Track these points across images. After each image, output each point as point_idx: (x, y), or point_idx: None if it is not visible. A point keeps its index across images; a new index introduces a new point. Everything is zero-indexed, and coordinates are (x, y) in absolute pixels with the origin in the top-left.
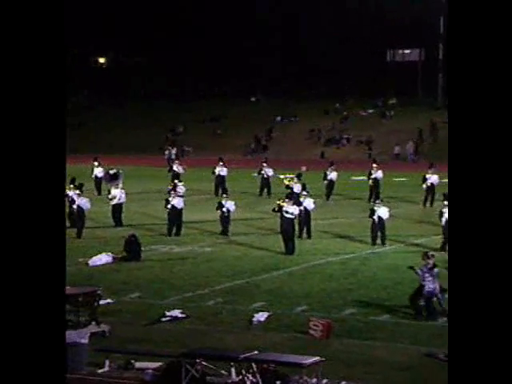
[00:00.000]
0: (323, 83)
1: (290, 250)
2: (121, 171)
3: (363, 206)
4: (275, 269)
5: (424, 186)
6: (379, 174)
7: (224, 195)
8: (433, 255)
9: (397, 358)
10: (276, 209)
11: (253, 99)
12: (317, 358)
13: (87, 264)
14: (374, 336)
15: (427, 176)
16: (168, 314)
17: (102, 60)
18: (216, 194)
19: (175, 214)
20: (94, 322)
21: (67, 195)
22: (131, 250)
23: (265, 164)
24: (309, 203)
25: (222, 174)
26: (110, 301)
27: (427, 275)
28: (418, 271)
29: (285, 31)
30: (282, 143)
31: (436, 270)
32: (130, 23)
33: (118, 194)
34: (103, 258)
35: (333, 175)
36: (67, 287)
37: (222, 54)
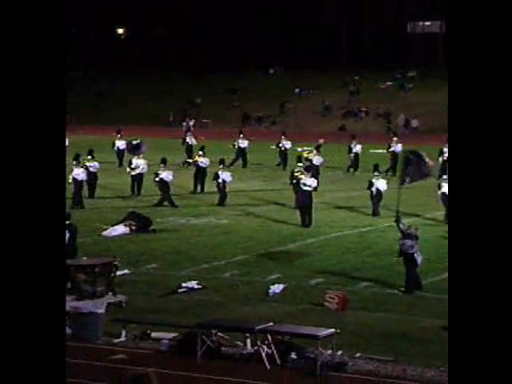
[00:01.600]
0: (342, 55)
1: (306, 222)
2: (144, 142)
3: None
4: (292, 241)
5: (440, 159)
6: (398, 147)
7: (220, 166)
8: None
9: (412, 330)
10: (294, 181)
11: (271, 71)
12: (332, 330)
13: (100, 235)
14: (389, 309)
15: (444, 149)
16: (184, 285)
17: (121, 31)
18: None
19: (163, 187)
20: (110, 293)
21: (85, 166)
22: (140, 219)
23: (283, 137)
24: (382, 184)
25: (242, 146)
26: (127, 271)
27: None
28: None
29: (304, 3)
30: (299, 116)
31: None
32: None
33: (140, 164)
34: (119, 229)
35: (358, 148)
36: (84, 258)
37: (241, 26)
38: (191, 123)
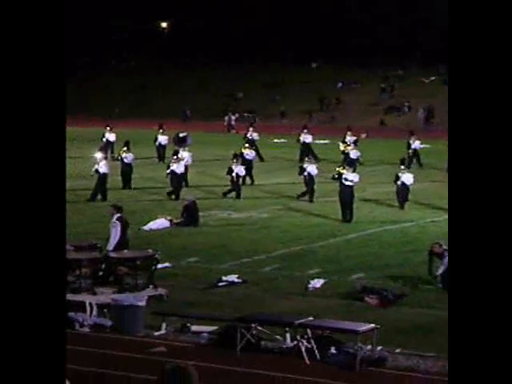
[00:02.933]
0: (385, 50)
1: (347, 217)
2: (190, 134)
3: (425, 174)
4: (332, 236)
5: (409, 151)
6: (417, 144)
7: (234, 160)
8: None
9: None
10: (336, 176)
11: (313, 65)
12: (372, 326)
13: (140, 229)
14: (430, 305)
15: (410, 142)
16: (225, 278)
17: (164, 24)
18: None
19: (176, 179)
20: (151, 286)
21: (120, 157)
22: (189, 215)
23: (305, 130)
24: (408, 178)
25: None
26: (168, 265)
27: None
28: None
29: None
30: (343, 109)
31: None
32: None
33: (186, 156)
34: (159, 222)
35: (416, 144)
36: (125, 251)
37: (282, 19)
38: (233, 117)
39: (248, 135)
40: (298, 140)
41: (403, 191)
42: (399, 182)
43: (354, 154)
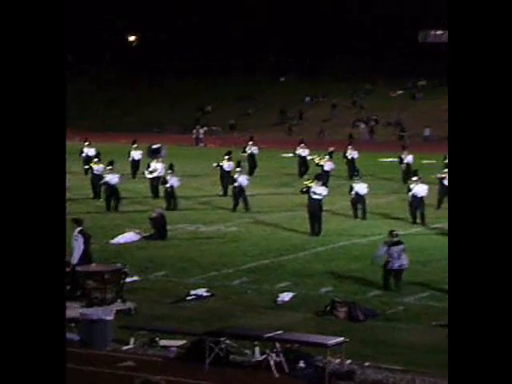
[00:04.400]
0: (353, 63)
1: (316, 230)
2: (163, 146)
3: (392, 188)
4: (301, 249)
5: (402, 166)
6: (409, 158)
7: (237, 169)
8: (397, 234)
9: (421, 339)
10: (304, 189)
11: (282, 79)
12: (341, 339)
13: (108, 243)
14: (398, 317)
15: (402, 157)
16: (193, 292)
17: (132, 38)
18: (300, 175)
19: (170, 192)
20: (119, 300)
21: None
22: (157, 228)
23: (302, 144)
24: (361, 187)
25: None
26: (136, 278)
27: (392, 252)
28: (380, 248)
29: (317, 10)
30: (311, 123)
31: (402, 246)
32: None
33: (159, 167)
34: (127, 236)
35: (409, 158)
36: (94, 264)
37: (252, 33)
38: (201, 130)
39: (247, 149)
40: (294, 153)
41: (358, 201)
42: (353, 192)
43: (328, 166)
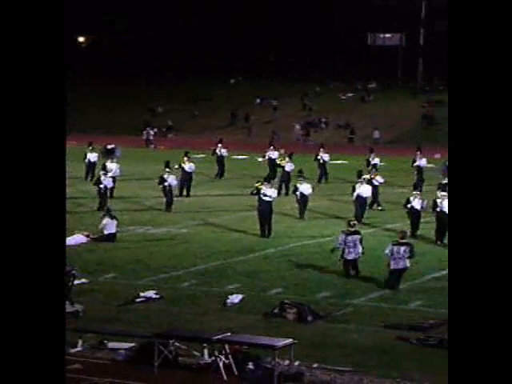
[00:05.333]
0: (303, 66)
1: (266, 232)
2: (118, 147)
3: (342, 189)
4: (251, 251)
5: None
6: (376, 160)
7: (167, 170)
8: (355, 224)
9: (370, 341)
10: (254, 191)
11: (232, 81)
12: (289, 341)
13: None
14: (347, 319)
15: (370, 159)
16: (142, 294)
17: (81, 39)
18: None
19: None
20: (68, 302)
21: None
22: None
23: (220, 144)
24: (306, 188)
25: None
26: (85, 281)
27: (349, 241)
28: (339, 237)
29: (265, 13)
30: (261, 125)
31: (359, 236)
32: (110, 2)
33: (114, 167)
34: (76, 238)
35: (376, 161)
36: None
37: (203, 35)
38: (152, 132)
39: (217, 151)
40: (264, 156)
41: (302, 201)
42: (298, 193)
43: (288, 167)
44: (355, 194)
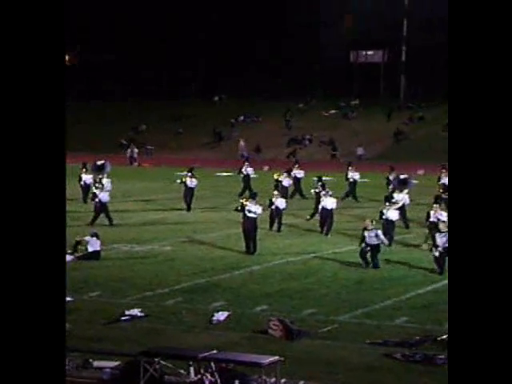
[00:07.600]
0: (286, 83)
1: (251, 249)
2: (108, 162)
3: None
4: (236, 268)
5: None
6: (356, 175)
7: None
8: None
9: (356, 358)
10: (239, 208)
11: (216, 99)
12: (275, 358)
13: None
14: (333, 336)
15: (348, 174)
16: (127, 312)
17: (66, 57)
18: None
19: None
20: None
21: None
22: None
23: (247, 163)
24: (280, 202)
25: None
26: (70, 299)
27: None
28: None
29: (247, 31)
30: (245, 143)
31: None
32: (94, 20)
33: (104, 182)
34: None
35: (356, 176)
36: None
37: (185, 53)
38: (135, 150)
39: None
40: (240, 172)
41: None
42: (273, 207)
43: (286, 182)
44: (320, 205)
